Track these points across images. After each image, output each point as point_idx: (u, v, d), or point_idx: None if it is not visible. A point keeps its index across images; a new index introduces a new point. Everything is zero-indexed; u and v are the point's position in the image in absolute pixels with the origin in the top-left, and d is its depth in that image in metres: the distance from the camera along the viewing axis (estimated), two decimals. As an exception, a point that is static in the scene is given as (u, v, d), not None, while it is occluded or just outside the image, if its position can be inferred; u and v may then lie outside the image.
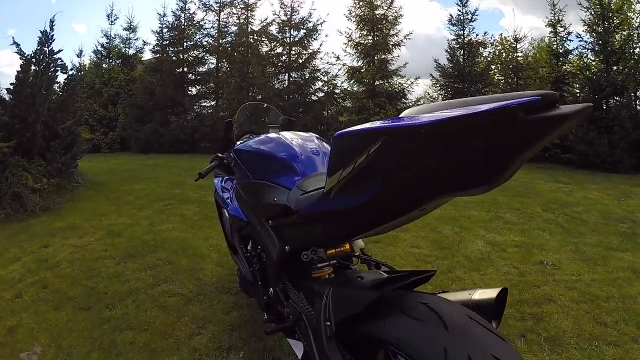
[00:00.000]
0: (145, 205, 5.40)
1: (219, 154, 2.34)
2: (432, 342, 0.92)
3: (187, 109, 14.31)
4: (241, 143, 2.23)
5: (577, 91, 10.99)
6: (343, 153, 1.02)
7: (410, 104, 12.97)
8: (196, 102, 14.80)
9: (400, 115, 0.95)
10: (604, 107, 9.94)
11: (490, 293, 1.16)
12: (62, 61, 6.81)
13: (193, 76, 15.08)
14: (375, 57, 12.94)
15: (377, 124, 0.93)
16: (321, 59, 13.74)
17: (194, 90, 15.13)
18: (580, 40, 10.84)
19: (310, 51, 13.80)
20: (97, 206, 5.44)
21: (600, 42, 10.22)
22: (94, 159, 10.40)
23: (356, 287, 1.31)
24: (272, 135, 1.96)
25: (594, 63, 10.68)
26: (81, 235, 4.06)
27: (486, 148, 0.76)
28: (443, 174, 0.84)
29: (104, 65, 16.41)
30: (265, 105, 2.90)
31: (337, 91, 13.68)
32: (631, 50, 10.10)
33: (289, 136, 1.88)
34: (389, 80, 12.93)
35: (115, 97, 15.08)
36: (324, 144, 1.90)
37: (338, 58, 13.61)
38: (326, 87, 13.61)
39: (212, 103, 14.93)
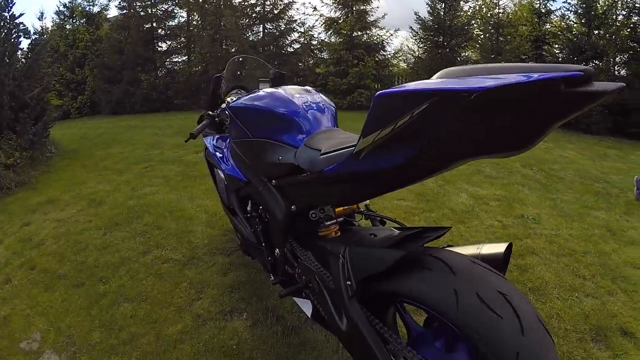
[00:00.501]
0: (124, 170, 5.20)
1: (209, 112, 2.22)
2: (443, 287, 0.99)
3: (158, 66, 13.61)
4: (233, 100, 2.11)
5: (557, 52, 11.03)
6: (384, 113, 0.97)
7: (389, 56, 12.68)
8: (167, 58, 14.05)
9: (438, 77, 0.91)
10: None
11: (498, 247, 1.20)
12: (24, 26, 6.35)
13: (163, 31, 14.14)
14: (354, 8, 12.30)
15: (421, 85, 0.88)
16: (297, 9, 13.26)
17: (164, 46, 14.26)
18: (563, 2, 11.06)
19: (286, 1, 13.06)
20: (74, 175, 5.23)
21: (584, 5, 10.23)
22: (64, 126, 9.91)
23: (376, 245, 1.29)
24: (271, 90, 1.82)
25: (575, 25, 10.76)
26: (62, 208, 3.90)
27: (527, 116, 0.77)
28: (482, 138, 0.86)
29: (67, 27, 15.18)
30: (254, 58, 2.73)
31: (314, 43, 13.15)
32: (614, 17, 10.21)
33: (288, 91, 1.77)
34: (368, 32, 12.37)
35: (82, 59, 14.13)
36: (325, 98, 1.82)
37: (315, 9, 13.30)
38: (303, 39, 13.04)
39: (184, 58, 14.21)
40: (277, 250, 1.71)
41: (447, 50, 11.92)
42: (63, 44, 14.33)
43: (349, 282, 1.21)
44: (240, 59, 2.64)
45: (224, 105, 2.27)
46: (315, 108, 1.70)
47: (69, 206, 3.95)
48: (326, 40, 12.80)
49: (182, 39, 13.98)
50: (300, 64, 12.68)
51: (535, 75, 0.72)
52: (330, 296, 1.34)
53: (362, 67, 11.19)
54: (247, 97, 1.88)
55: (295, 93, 1.75)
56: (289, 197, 1.57)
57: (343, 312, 1.25)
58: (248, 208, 1.96)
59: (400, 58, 13.01)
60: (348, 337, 1.25)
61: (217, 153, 2.27)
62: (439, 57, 11.54)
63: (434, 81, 0.89)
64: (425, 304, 1.03)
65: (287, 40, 13.08)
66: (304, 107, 1.67)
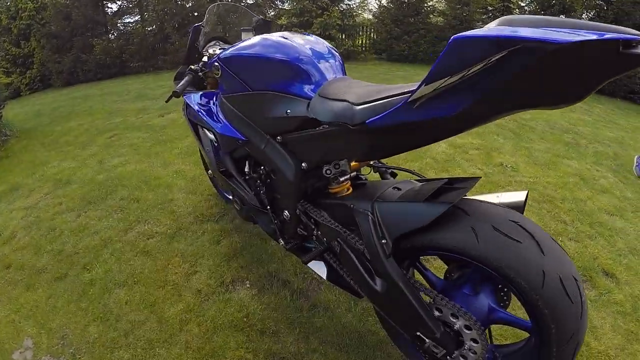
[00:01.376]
0: (87, 143, 4.77)
1: (192, 66, 1.97)
2: (462, 229, 1.06)
3: (110, 28, 12.27)
4: (216, 52, 1.92)
5: (524, 4, 10.80)
6: (456, 59, 0.86)
7: (354, 5, 11.81)
8: (119, 20, 12.55)
9: (501, 24, 0.85)
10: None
11: (519, 196, 1.23)
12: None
13: None
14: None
15: (503, 32, 0.80)
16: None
17: (114, 7, 12.67)
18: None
19: (242, -52, 11.78)
20: (35, 156, 4.78)
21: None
22: (16, 105, 9.06)
23: (410, 199, 1.21)
24: (271, 36, 1.61)
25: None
26: (27, 195, 3.55)
27: (587, 72, 0.76)
28: (542, 91, 0.83)
29: (7, -3, 13.49)
30: (235, 5, 2.45)
31: None
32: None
33: (290, 37, 1.57)
34: None
35: (27, 30, 12.48)
36: (329, 45, 1.65)
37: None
38: None
39: (137, 18, 12.69)
40: (285, 213, 1.60)
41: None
42: (5, 16, 12.61)
43: (384, 241, 1.17)
44: (220, 6, 2.36)
45: (207, 58, 2.00)
46: (322, 56, 1.53)
47: (34, 191, 3.60)
48: None
49: (134, -4, 12.58)
50: (261, 16, 11.72)
51: (609, 35, 0.70)
52: (358, 257, 1.29)
53: (326, 17, 10.48)
54: (241, 45, 1.66)
55: (299, 39, 1.57)
56: (299, 154, 1.47)
57: (377, 272, 1.21)
58: (246, 169, 1.80)
59: (365, 8, 12.31)
60: (385, 296, 1.22)
61: (203, 111, 2.01)
62: (405, 7, 10.95)
63: (511, 29, 0.80)
64: (449, 250, 1.08)
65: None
66: (311, 54, 1.49)
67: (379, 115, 1.07)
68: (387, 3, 11.19)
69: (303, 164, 1.45)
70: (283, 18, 10.97)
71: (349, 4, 11.49)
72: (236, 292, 2.02)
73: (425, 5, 10.85)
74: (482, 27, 0.84)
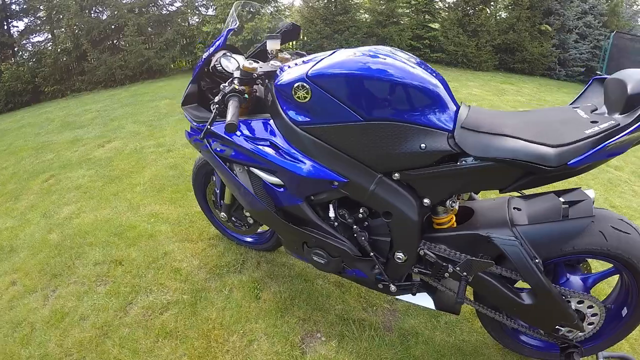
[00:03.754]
0: (19, 191, 3.80)
1: (227, 86, 1.50)
2: (595, 233, 1.28)
3: (18, 50, 10.48)
4: (247, 62, 1.57)
5: None
6: None
7: (282, 7, 11.22)
8: (27, 39, 10.67)
9: None
10: (472, 13, 10.75)
11: (589, 193, 1.34)
12: None
13: (17, 6, 10.66)
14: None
15: None
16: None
17: (21, 25, 10.77)
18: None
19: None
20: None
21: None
22: None
23: (545, 220, 1.31)
24: (377, 51, 1.39)
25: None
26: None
27: None
28: None
29: None
30: (256, 4, 1.97)
31: None
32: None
33: (394, 54, 1.39)
34: None
35: None
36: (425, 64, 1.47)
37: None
38: None
39: (48, 36, 10.81)
40: (399, 255, 1.48)
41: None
42: None
43: (537, 260, 1.28)
44: (242, 4, 1.96)
45: (293, 74, 1.45)
46: (439, 79, 1.36)
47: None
48: None
49: (42, 12, 10.56)
50: (184, 24, 10.57)
51: None
52: (499, 280, 1.40)
53: (257, 20, 9.78)
54: (340, 61, 1.36)
55: (403, 56, 1.39)
56: (423, 190, 1.37)
57: (533, 287, 1.33)
58: (331, 214, 1.53)
59: (293, 9, 11.75)
60: (533, 306, 1.37)
61: (261, 146, 1.55)
62: (333, 6, 10.61)
63: None
64: (584, 253, 1.29)
65: (167, -3, 10.78)
66: (436, 79, 1.32)
67: (580, 157, 1.13)
68: (314, 3, 10.83)
69: (425, 200, 1.38)
70: (208, 25, 10.08)
71: (276, 6, 10.89)
72: (314, 350, 1.65)
73: (353, 3, 10.63)
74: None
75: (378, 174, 1.37)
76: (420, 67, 1.37)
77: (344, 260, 1.59)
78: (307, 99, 1.37)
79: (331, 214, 1.53)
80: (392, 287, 1.57)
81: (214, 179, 2.15)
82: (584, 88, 1.46)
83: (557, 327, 1.42)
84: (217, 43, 1.76)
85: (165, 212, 2.84)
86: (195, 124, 1.80)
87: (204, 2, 10.83)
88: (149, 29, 9.61)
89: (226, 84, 1.53)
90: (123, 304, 2.02)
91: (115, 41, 9.77)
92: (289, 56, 1.77)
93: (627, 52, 11.24)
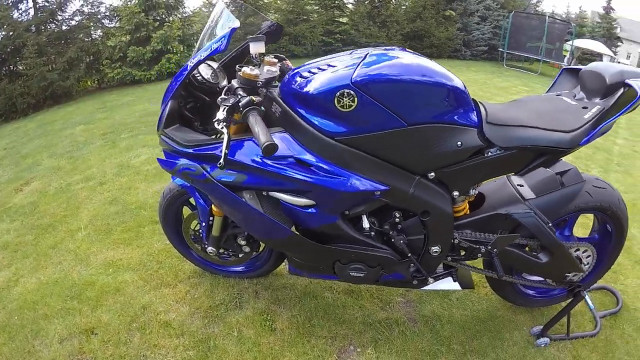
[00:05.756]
0: None
1: (242, 98, 1.26)
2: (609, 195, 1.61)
3: None
4: (248, 68, 1.37)
5: None
6: None
7: (190, 13, 10.24)
8: None
9: None
10: (380, 5, 11.06)
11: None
12: None
13: None
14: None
15: None
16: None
17: None
18: None
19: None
20: None
21: None
22: None
23: (550, 190, 1.56)
24: (404, 55, 1.37)
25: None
26: None
27: None
28: None
29: None
30: (241, 2, 1.57)
31: (103, 10, 9.68)
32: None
33: (420, 56, 1.40)
34: None
35: None
36: None
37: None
38: (87, 8, 9.41)
39: None
40: (434, 249, 1.51)
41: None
42: None
43: (549, 224, 1.52)
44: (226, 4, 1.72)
45: (327, 80, 1.30)
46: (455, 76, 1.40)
47: None
48: (120, 4, 9.53)
49: None
50: (86, 39, 9.26)
51: None
52: (519, 248, 1.60)
53: (167, 28, 8.90)
54: (381, 65, 1.29)
55: (421, 56, 1.40)
56: (453, 184, 1.44)
57: (548, 247, 1.57)
58: (365, 225, 1.48)
59: (203, 15, 10.96)
60: (549, 262, 1.60)
61: (285, 166, 1.35)
62: (243, 9, 10.07)
63: None
64: (576, 210, 1.60)
65: (68, 13, 9.33)
66: (450, 75, 1.34)
67: (587, 137, 1.40)
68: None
69: (455, 193, 1.45)
70: (113, 39, 9.03)
71: (185, 12, 10.05)
72: None
73: (262, 3, 10.24)
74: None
75: (416, 176, 1.37)
76: (437, 66, 1.37)
77: (384, 267, 1.57)
78: (352, 108, 1.26)
79: (365, 224, 1.48)
80: (430, 280, 1.65)
81: (197, 211, 1.77)
82: (555, 78, 1.76)
83: (565, 274, 1.68)
84: (218, 46, 1.40)
85: (123, 258, 2.35)
86: (182, 148, 1.48)
87: (107, 14, 9.69)
88: (49, 49, 8.37)
89: (224, 96, 1.31)
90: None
91: (12, 66, 8.36)
92: (275, 60, 1.51)
93: (524, 29, 12.57)
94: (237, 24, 1.37)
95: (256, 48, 1.48)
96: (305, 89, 1.31)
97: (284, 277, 2.11)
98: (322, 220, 1.44)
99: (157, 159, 1.61)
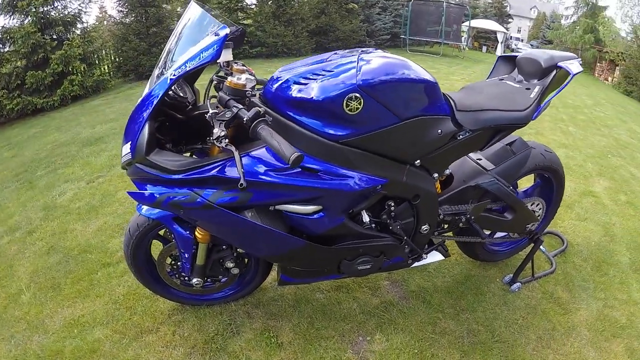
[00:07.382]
0: None
1: (243, 108, 1.22)
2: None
3: None
4: (234, 77, 1.30)
5: None
6: None
7: (89, 28, 9.07)
8: None
9: None
10: (284, 4, 10.87)
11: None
12: None
13: None
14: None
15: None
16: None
17: None
18: None
19: None
20: None
21: None
22: None
23: (507, 158, 1.85)
24: (388, 55, 1.44)
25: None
26: None
27: None
28: None
29: None
30: (207, 8, 1.51)
31: None
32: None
33: (392, 55, 1.45)
34: (56, 3, 8.29)
35: None
36: None
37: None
38: None
39: None
40: (424, 227, 1.64)
41: (154, 7, 9.44)
42: None
43: (510, 187, 1.82)
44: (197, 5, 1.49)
45: (331, 85, 1.29)
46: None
47: None
48: (15, 26, 7.97)
49: None
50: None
51: None
52: (488, 212, 1.87)
53: (67, 47, 7.83)
54: (383, 66, 1.37)
55: (398, 56, 1.46)
56: (433, 168, 1.56)
57: (512, 207, 1.89)
58: (365, 219, 1.53)
59: (102, 30, 9.86)
60: (514, 219, 1.91)
61: (295, 177, 1.32)
62: (145, 19, 9.30)
63: None
64: (532, 170, 1.96)
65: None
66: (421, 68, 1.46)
67: (536, 112, 1.69)
68: (123, 17, 9.41)
69: (435, 175, 1.59)
70: (7, 65, 7.74)
71: (82, 27, 8.89)
72: (370, 352, 1.72)
73: (166, 11, 9.58)
74: None
75: (407, 165, 1.46)
76: (412, 63, 1.46)
77: (385, 254, 1.65)
78: (358, 110, 1.29)
79: (365, 218, 1.54)
80: (424, 256, 1.80)
81: (174, 243, 1.62)
82: (493, 65, 2.04)
83: (526, 226, 2.00)
84: (210, 55, 1.22)
85: (85, 313, 2.05)
86: (170, 176, 1.32)
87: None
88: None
89: (215, 110, 1.25)
90: None
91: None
92: (244, 67, 1.39)
93: (423, 15, 13.39)
94: (227, 30, 1.22)
95: (225, 56, 1.36)
96: (308, 96, 1.29)
97: (269, 290, 2.04)
98: (331, 223, 1.44)
99: (128, 192, 1.44)
